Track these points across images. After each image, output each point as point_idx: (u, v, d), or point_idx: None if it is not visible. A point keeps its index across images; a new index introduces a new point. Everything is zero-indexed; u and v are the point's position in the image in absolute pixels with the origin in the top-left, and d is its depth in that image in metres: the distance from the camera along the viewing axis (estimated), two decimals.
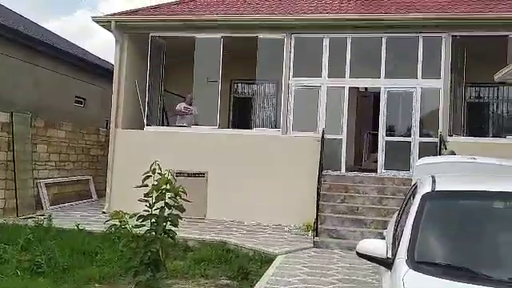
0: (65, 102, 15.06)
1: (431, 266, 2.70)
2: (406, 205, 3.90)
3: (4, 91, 12.30)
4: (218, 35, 11.57)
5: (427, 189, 3.38)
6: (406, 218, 3.27)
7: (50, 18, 47.12)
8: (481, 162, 4.31)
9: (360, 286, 6.29)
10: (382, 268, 3.27)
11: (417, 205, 3.23)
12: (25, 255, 7.17)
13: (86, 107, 16.53)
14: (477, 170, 4.14)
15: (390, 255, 3.07)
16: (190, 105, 12.42)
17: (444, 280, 2.54)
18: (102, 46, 35.40)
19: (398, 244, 3.03)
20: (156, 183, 4.53)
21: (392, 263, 2.92)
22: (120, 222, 4.44)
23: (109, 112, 12.41)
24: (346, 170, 11.09)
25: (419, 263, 2.72)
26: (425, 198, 3.27)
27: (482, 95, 13.14)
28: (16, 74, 12.80)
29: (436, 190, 3.33)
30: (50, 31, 17.74)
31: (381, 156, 11.05)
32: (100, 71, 16.75)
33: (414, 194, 3.63)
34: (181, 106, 12.42)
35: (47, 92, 13.95)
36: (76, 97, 15.97)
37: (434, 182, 3.46)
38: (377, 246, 3.12)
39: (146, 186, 4.54)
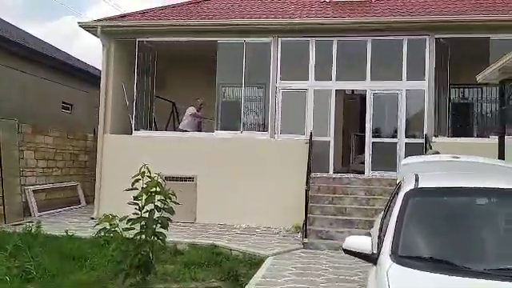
0: (52, 107, 14.96)
1: (414, 259, 2.79)
2: (390, 203, 4.00)
3: None
4: (207, 39, 11.62)
5: (410, 186, 3.49)
6: (391, 215, 3.37)
7: (34, 23, 46.77)
8: (463, 160, 4.41)
9: (348, 284, 6.38)
10: (369, 265, 3.35)
11: (400, 202, 3.33)
12: (14, 262, 7.14)
13: (73, 113, 16.42)
14: (459, 168, 4.24)
15: (375, 251, 3.16)
16: (199, 110, 12.42)
17: (426, 272, 2.64)
18: (87, 51, 35.13)
19: (383, 240, 3.12)
20: (145, 186, 4.57)
21: (377, 258, 3.01)
22: (110, 224, 4.47)
23: (96, 117, 12.38)
24: (334, 171, 11.21)
25: (402, 257, 2.81)
26: (408, 195, 3.37)
27: (466, 96, 13.38)
28: (1, 80, 12.71)
29: (418, 187, 3.44)
30: (36, 37, 17.62)
31: (368, 157, 11.19)
32: (87, 76, 16.67)
33: (397, 192, 3.72)
34: (192, 110, 12.37)
35: (34, 98, 13.84)
36: (63, 102, 15.88)
37: (416, 179, 3.57)
38: (362, 242, 3.22)
39: (136, 189, 4.58)
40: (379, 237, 3.39)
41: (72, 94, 16.01)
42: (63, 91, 15.51)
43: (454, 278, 2.60)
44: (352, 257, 7.14)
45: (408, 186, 3.52)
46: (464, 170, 4.15)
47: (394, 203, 3.50)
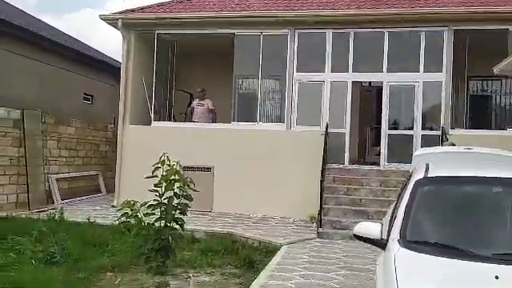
0: (73, 99, 15.33)
1: (421, 244, 2.92)
2: (401, 192, 4.11)
3: (13, 89, 12.57)
4: (224, 31, 11.77)
5: (420, 175, 3.61)
6: (401, 203, 3.49)
7: (53, 16, 47.51)
8: (476, 151, 4.48)
9: (362, 273, 6.51)
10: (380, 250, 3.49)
11: (410, 190, 3.45)
12: (39, 246, 7.46)
13: (94, 104, 16.80)
14: (471, 159, 4.31)
15: (384, 237, 3.29)
16: (202, 99, 12.60)
17: (432, 256, 2.77)
18: (105, 42, 35.61)
19: (392, 226, 3.25)
20: (165, 174, 4.77)
21: (386, 244, 3.15)
22: (131, 210, 4.68)
23: (116, 108, 12.67)
24: (350, 163, 11.30)
25: (410, 242, 2.94)
26: (417, 183, 3.49)
27: (484, 88, 13.28)
28: (24, 71, 13.06)
29: (428, 176, 3.55)
30: (56, 28, 18.00)
31: (383, 149, 11.24)
32: (107, 68, 17.01)
33: (408, 181, 3.84)
34: (194, 102, 12.63)
35: (56, 89, 14.20)
36: (84, 94, 16.25)
37: (427, 169, 3.68)
38: (372, 229, 3.35)
39: (156, 176, 4.78)
40: (389, 224, 3.52)
41: (93, 86, 16.36)
42: (84, 82, 15.87)
43: (460, 261, 2.73)
44: (366, 246, 7.28)
45: (418, 175, 3.64)
46: (476, 161, 4.22)
47: (405, 192, 3.62)
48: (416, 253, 2.82)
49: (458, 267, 2.68)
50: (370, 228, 3.37)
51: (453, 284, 2.53)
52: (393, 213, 4.09)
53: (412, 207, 3.24)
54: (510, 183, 3.43)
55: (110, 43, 34.03)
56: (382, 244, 3.21)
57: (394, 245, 2.97)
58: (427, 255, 2.79)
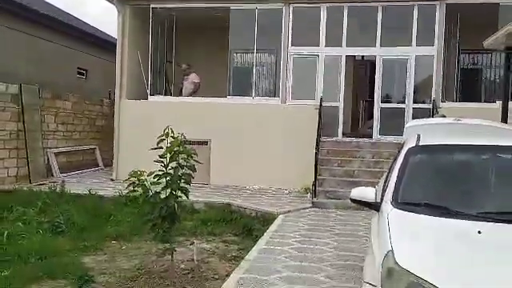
0: (67, 73, 15.36)
1: (412, 205, 3.20)
2: (394, 161, 4.39)
3: (8, 64, 12.60)
4: (214, 5, 11.81)
5: (412, 144, 3.88)
6: (393, 169, 3.77)
7: None
8: (464, 122, 4.75)
9: (355, 239, 6.86)
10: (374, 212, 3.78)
11: (402, 157, 3.73)
12: (44, 217, 7.73)
13: (88, 79, 16.83)
14: (460, 130, 4.58)
15: (378, 200, 3.58)
16: (187, 75, 12.77)
17: (422, 215, 3.06)
18: (94, 15, 35.02)
19: (386, 190, 3.53)
20: (169, 146, 4.99)
21: (380, 206, 3.44)
22: (138, 180, 4.93)
23: (111, 83, 12.76)
24: (343, 136, 11.60)
25: (402, 203, 3.22)
26: (409, 151, 3.77)
27: (475, 62, 13.50)
28: (18, 46, 13.06)
29: (419, 144, 3.82)
30: (50, 3, 17.83)
31: (376, 122, 11.53)
32: (101, 43, 16.98)
33: (401, 150, 4.11)
34: (195, 77, 12.79)
35: (50, 64, 14.23)
36: (78, 68, 16.26)
37: (418, 138, 3.95)
38: (367, 192, 3.65)
39: (161, 148, 5.00)
40: (383, 189, 3.80)
41: (87, 60, 16.37)
42: (78, 57, 15.87)
43: (447, 219, 3.03)
44: (358, 215, 7.64)
45: (410, 144, 3.91)
46: (464, 131, 4.49)
47: (397, 159, 3.90)
48: (407, 212, 3.11)
49: (445, 225, 2.98)
50: (365, 192, 3.66)
51: (440, 239, 2.82)
52: (386, 178, 4.38)
53: (404, 172, 3.52)
54: (495, 150, 3.73)
55: (103, 17, 33.45)
56: (376, 206, 3.50)
57: (387, 206, 3.26)
58: (418, 214, 3.08)
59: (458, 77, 12.71)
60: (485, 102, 12.34)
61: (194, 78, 12.76)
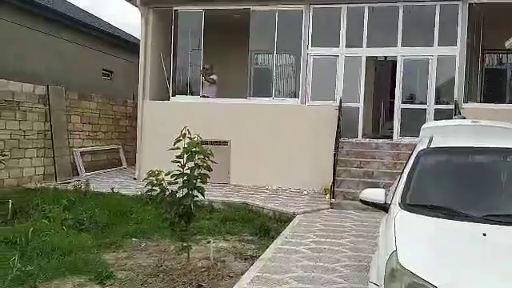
0: (93, 74, 15.77)
1: (419, 207, 3.24)
2: (406, 163, 4.41)
3: (35, 65, 13.03)
4: (234, 7, 11.94)
5: (423, 146, 3.90)
6: (404, 171, 3.80)
7: None
8: (482, 124, 4.72)
9: (372, 240, 6.85)
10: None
11: (413, 159, 3.76)
12: (68, 214, 7.98)
13: (113, 80, 17.23)
14: (476, 132, 4.55)
15: (388, 202, 3.62)
16: (209, 75, 12.92)
17: (428, 217, 3.09)
18: (117, 15, 35.31)
19: (395, 192, 3.57)
20: (187, 146, 5.13)
21: (388, 207, 3.48)
22: (156, 179, 5.08)
23: (134, 84, 13.04)
24: (363, 136, 11.55)
25: (410, 205, 3.26)
26: (420, 153, 3.80)
27: (499, 62, 13.24)
28: (45, 48, 13.49)
29: (430, 147, 3.84)
30: (76, 5, 18.32)
31: (396, 123, 11.45)
32: (124, 44, 17.35)
33: (413, 152, 4.13)
34: (215, 77, 12.98)
35: (76, 65, 14.66)
36: (103, 70, 16.66)
37: (430, 141, 3.97)
38: (376, 193, 3.69)
39: (178, 148, 5.14)
40: (393, 191, 3.84)
41: (111, 61, 16.76)
42: (103, 59, 16.26)
43: (453, 221, 3.05)
44: (376, 216, 7.59)
45: (422, 146, 3.94)
46: (479, 133, 4.47)
47: (408, 161, 3.92)
48: (414, 214, 3.15)
49: (451, 227, 3.00)
50: (374, 193, 3.71)
51: (445, 241, 2.85)
52: (397, 181, 4.41)
53: (413, 174, 3.55)
54: (507, 153, 3.71)
55: (122, 16, 33.87)
56: (385, 207, 3.54)
57: (395, 208, 3.30)
58: (424, 216, 3.12)
59: (482, 77, 12.50)
60: (510, 103, 12.10)
61: (215, 78, 12.90)
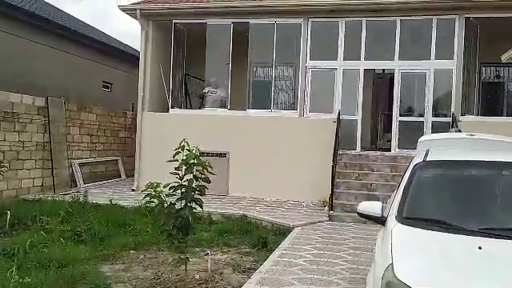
0: (93, 86, 15.85)
1: (416, 220, 3.26)
2: (403, 176, 4.44)
3: (36, 77, 13.11)
4: (234, 20, 12.05)
5: (419, 159, 3.94)
6: (400, 184, 3.83)
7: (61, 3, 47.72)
8: (478, 137, 4.75)
9: (370, 253, 6.85)
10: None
11: (409, 173, 3.79)
12: (66, 226, 7.98)
13: (113, 91, 17.30)
14: (472, 145, 4.59)
15: (385, 215, 3.64)
16: (216, 88, 13.03)
17: (424, 230, 3.11)
18: (116, 24, 35.48)
19: (391, 205, 3.59)
20: (185, 158, 5.15)
21: (385, 220, 3.50)
22: (154, 191, 5.09)
23: (134, 96, 13.11)
24: (361, 149, 11.60)
25: (406, 218, 3.29)
26: (416, 167, 3.83)
27: (496, 75, 13.35)
28: (46, 60, 13.57)
29: (426, 160, 3.88)
30: (76, 17, 18.46)
31: (394, 136, 11.50)
32: (124, 56, 17.47)
33: (409, 165, 4.16)
34: (207, 89, 13.07)
35: (76, 77, 14.73)
36: (103, 82, 16.75)
37: (426, 154, 4.01)
38: (374, 207, 3.71)
39: (177, 160, 5.16)
40: (390, 204, 3.86)
41: (111, 73, 16.85)
42: (103, 70, 16.35)
43: (449, 234, 3.07)
44: (375, 229, 7.58)
45: (417, 159, 3.97)
46: (475, 147, 4.50)
47: (405, 174, 3.95)
48: (410, 227, 3.17)
49: (446, 240, 3.02)
50: (372, 206, 3.73)
51: (440, 254, 2.87)
52: (394, 194, 4.43)
53: (409, 188, 3.58)
54: (502, 166, 3.74)
55: (119, 26, 34.01)
56: (382, 220, 3.56)
57: (391, 221, 3.32)
58: (420, 229, 3.14)
59: (479, 90, 12.58)
60: (507, 116, 12.18)
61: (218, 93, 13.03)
